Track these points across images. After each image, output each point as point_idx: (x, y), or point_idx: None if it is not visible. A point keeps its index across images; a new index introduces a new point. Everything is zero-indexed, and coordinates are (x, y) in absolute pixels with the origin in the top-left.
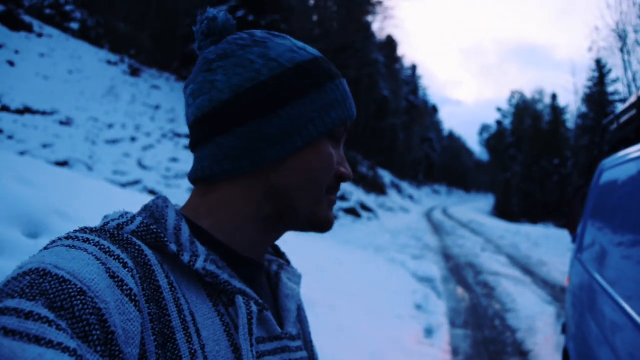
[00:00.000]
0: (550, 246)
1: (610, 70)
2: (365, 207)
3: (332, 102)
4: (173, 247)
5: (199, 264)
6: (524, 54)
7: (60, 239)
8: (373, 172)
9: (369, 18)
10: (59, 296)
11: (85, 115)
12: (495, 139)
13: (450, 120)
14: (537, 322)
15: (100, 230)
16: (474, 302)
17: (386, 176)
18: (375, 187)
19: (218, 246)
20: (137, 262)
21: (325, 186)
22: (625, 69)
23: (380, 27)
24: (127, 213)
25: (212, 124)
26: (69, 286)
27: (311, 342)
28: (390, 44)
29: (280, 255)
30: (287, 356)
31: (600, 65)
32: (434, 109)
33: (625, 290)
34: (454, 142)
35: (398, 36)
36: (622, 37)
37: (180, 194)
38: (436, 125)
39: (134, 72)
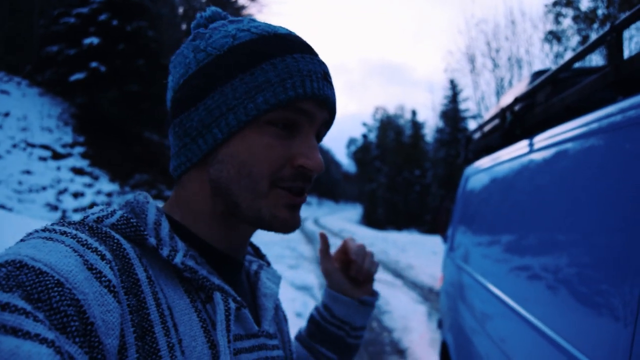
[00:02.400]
0: (416, 251)
1: (461, 90)
2: None
3: (261, 85)
4: (152, 240)
5: (178, 259)
6: (386, 72)
7: (37, 231)
8: None
9: None
10: (35, 288)
11: None
12: (361, 151)
13: None
14: (411, 321)
15: (79, 223)
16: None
17: None
18: None
19: (198, 243)
20: (115, 255)
21: (264, 182)
22: (475, 89)
23: None
24: (107, 207)
25: (166, 123)
26: (46, 278)
27: (289, 341)
28: None
29: (261, 256)
30: (264, 354)
31: (453, 85)
32: None
33: (494, 280)
34: (323, 155)
35: None
36: (472, 60)
37: (35, 209)
38: None
39: None
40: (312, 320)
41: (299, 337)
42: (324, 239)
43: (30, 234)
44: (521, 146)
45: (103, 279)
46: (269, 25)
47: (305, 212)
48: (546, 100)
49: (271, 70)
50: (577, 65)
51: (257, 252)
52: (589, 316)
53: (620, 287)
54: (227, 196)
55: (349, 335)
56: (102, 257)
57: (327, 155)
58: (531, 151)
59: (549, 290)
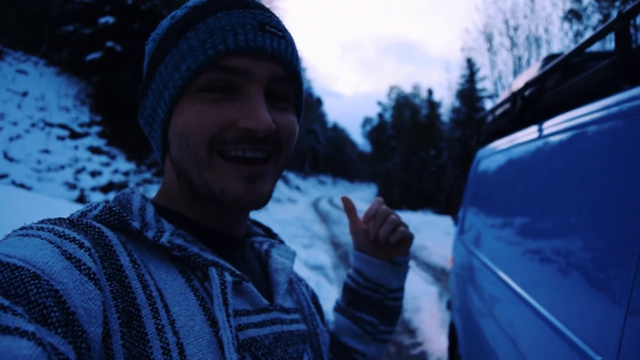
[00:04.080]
0: (429, 231)
1: (479, 69)
2: None
3: (185, 53)
4: (136, 224)
5: (165, 238)
6: (400, 50)
7: (14, 230)
8: None
9: None
10: (12, 284)
11: None
12: (377, 131)
13: (332, 112)
14: (422, 301)
15: (58, 219)
16: None
17: None
18: None
19: (187, 223)
20: (96, 243)
21: (202, 150)
22: (492, 68)
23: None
24: (94, 203)
25: None
26: (22, 272)
27: (312, 315)
28: None
29: (272, 235)
30: (279, 328)
31: (470, 64)
32: (319, 102)
33: (503, 265)
34: (338, 134)
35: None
36: (489, 39)
37: (54, 188)
38: (321, 118)
39: None
40: (347, 288)
41: (337, 307)
42: (346, 201)
43: (8, 234)
44: (531, 131)
45: (82, 267)
46: None
47: (319, 191)
48: (556, 85)
49: (193, 36)
50: (591, 49)
51: (269, 232)
52: (597, 306)
53: (631, 275)
54: (183, 176)
55: (386, 297)
56: (81, 246)
57: (342, 134)
58: (541, 136)
59: (556, 277)
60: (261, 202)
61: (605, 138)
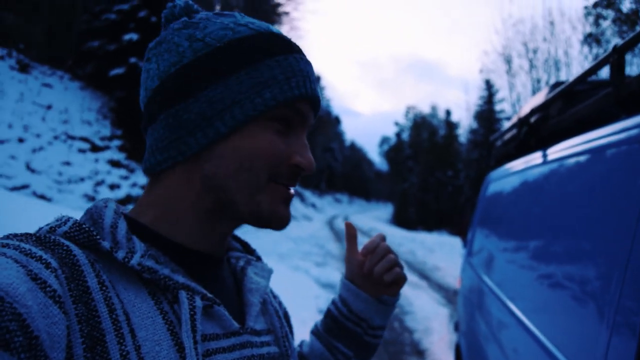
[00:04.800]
0: (444, 252)
1: (497, 91)
2: None
3: (268, 81)
4: (105, 244)
5: (134, 260)
6: (419, 69)
7: None
8: None
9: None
10: None
11: None
12: (394, 150)
13: (350, 130)
14: (433, 322)
15: (24, 235)
16: None
17: None
18: None
19: (163, 242)
20: (63, 263)
21: (263, 175)
22: (510, 90)
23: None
24: (64, 217)
25: (146, 114)
26: None
27: (285, 337)
28: None
29: (250, 251)
30: (249, 352)
31: (489, 86)
32: (337, 120)
33: (508, 291)
34: (356, 153)
35: (302, 47)
36: (508, 61)
37: (73, 200)
38: (338, 136)
39: (23, 68)
40: (328, 314)
41: (315, 331)
42: (349, 227)
43: None
44: (535, 157)
45: (47, 289)
46: (263, 23)
47: (335, 209)
48: (559, 113)
49: (276, 67)
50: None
51: (246, 248)
52: (605, 339)
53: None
54: (222, 192)
55: (366, 333)
56: (47, 266)
57: (359, 152)
58: (545, 162)
59: (556, 303)
60: (289, 222)
61: (607, 164)
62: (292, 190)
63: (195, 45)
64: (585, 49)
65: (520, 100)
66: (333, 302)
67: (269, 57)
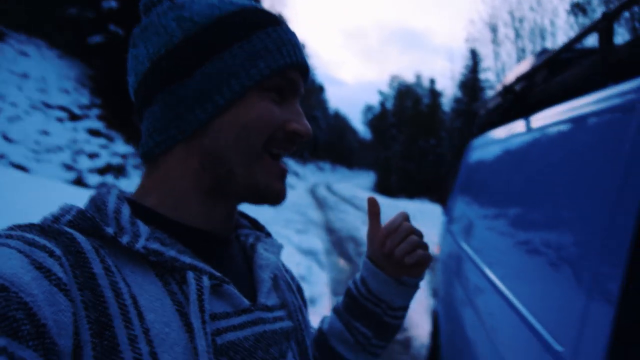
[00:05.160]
0: (424, 220)
1: (481, 60)
2: None
3: (260, 52)
4: (110, 230)
5: (139, 244)
6: (404, 38)
7: None
8: None
9: None
10: None
11: None
12: (378, 119)
13: (334, 99)
14: None
15: (28, 225)
16: (355, 272)
17: None
18: None
19: (168, 224)
20: (67, 250)
21: (260, 143)
22: (496, 59)
23: (270, 4)
24: (68, 206)
25: (139, 98)
26: None
27: (298, 309)
28: None
29: (259, 227)
30: (261, 328)
31: (474, 55)
32: (321, 88)
33: (486, 257)
34: (339, 121)
35: (287, 15)
36: (494, 30)
37: (51, 169)
38: (322, 104)
39: None
40: (348, 293)
41: (335, 308)
42: (372, 204)
43: None
44: (518, 125)
45: (52, 277)
46: None
47: (318, 177)
48: (544, 81)
49: (266, 38)
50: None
51: (255, 224)
52: (570, 300)
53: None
54: (221, 165)
55: (386, 314)
56: (51, 254)
57: (343, 121)
58: (527, 131)
59: (535, 271)
60: (285, 198)
61: (590, 133)
62: (284, 166)
63: (184, 24)
64: (572, 18)
65: (505, 69)
66: (353, 281)
67: (259, 30)
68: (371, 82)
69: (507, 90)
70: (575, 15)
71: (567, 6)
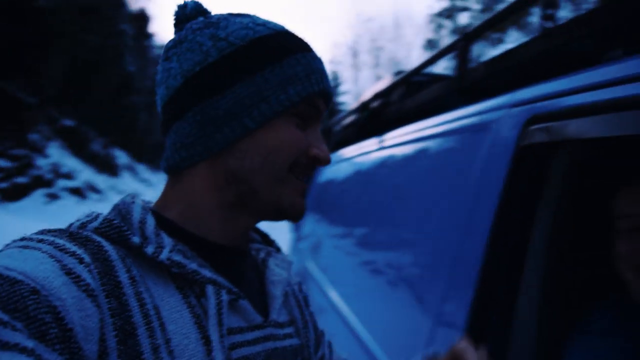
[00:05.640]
0: (274, 236)
1: (341, 83)
2: (93, 189)
3: (291, 78)
4: (136, 239)
5: (164, 255)
6: None
7: (14, 241)
8: (106, 151)
9: None
10: (11, 298)
11: None
12: None
13: None
14: None
15: (58, 230)
16: None
17: (122, 157)
18: (107, 168)
19: (189, 237)
20: (95, 258)
21: (285, 168)
22: (355, 84)
23: None
24: (94, 212)
25: (169, 112)
26: (21, 287)
27: (305, 328)
28: (142, 17)
29: (269, 242)
30: (272, 345)
31: (335, 77)
32: None
33: (331, 275)
34: None
35: (152, 10)
36: (355, 55)
37: None
38: None
39: None
40: None
41: None
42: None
43: (8, 244)
44: (368, 144)
45: (81, 283)
46: (277, 23)
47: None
48: (400, 100)
49: (297, 65)
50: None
51: (265, 239)
52: (409, 320)
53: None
54: (245, 185)
55: None
56: (81, 261)
57: None
58: (378, 149)
59: (377, 291)
60: (305, 213)
61: (443, 152)
62: (306, 183)
63: (219, 44)
64: (426, 53)
65: (362, 94)
66: None
67: (290, 55)
68: None
69: (364, 106)
70: (429, 49)
71: (422, 41)
